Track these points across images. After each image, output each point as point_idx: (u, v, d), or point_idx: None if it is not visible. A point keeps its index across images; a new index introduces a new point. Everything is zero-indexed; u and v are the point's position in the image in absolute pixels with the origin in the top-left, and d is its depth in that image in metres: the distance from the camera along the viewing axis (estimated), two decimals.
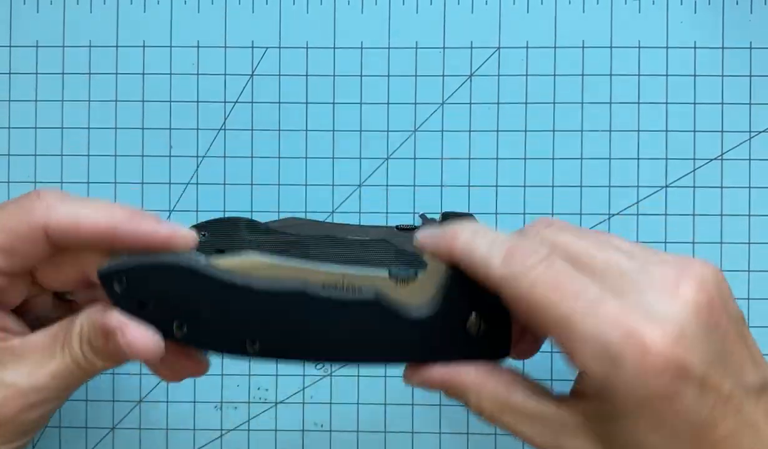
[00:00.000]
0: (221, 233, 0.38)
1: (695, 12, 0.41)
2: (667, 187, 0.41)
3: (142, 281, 0.29)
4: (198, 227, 0.39)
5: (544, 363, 0.40)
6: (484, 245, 0.28)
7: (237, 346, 0.29)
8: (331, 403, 0.41)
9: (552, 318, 0.26)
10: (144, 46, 0.41)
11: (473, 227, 0.30)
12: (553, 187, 0.41)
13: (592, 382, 0.27)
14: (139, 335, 0.29)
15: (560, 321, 0.26)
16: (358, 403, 0.41)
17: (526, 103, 0.41)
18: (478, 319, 0.30)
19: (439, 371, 0.30)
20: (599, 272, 0.27)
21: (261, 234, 0.39)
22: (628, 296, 0.26)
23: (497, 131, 0.41)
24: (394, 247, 0.36)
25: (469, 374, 0.30)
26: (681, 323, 0.25)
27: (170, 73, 0.41)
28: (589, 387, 0.28)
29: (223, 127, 0.41)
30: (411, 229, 0.37)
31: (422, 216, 0.39)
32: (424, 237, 0.31)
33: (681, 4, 0.41)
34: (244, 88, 0.41)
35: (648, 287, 0.26)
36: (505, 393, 0.29)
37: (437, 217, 0.39)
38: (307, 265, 0.30)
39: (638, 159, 0.41)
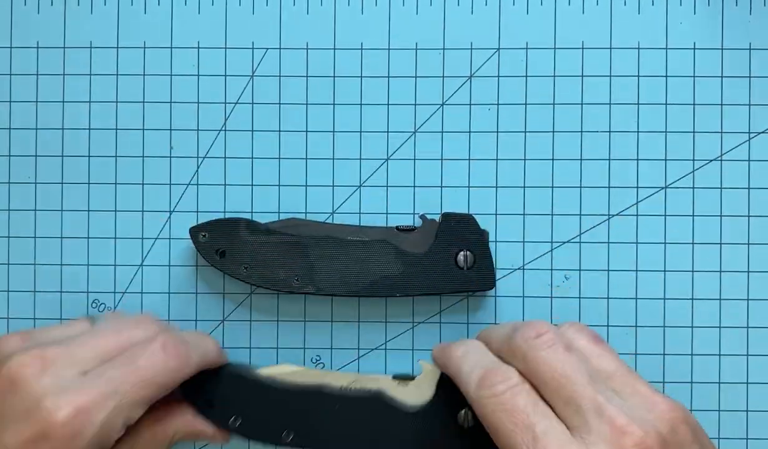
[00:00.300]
0: (221, 234, 0.39)
1: (695, 13, 0.41)
2: (666, 187, 0.41)
3: (210, 384, 0.37)
4: (198, 228, 0.39)
5: None
6: (467, 366, 0.33)
7: (276, 437, 0.37)
8: None
9: (504, 443, 0.30)
10: (144, 47, 0.41)
11: (468, 347, 0.35)
12: (552, 187, 0.41)
13: None
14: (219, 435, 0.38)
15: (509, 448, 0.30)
16: None
17: (525, 104, 0.41)
18: (467, 415, 0.36)
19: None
20: (561, 405, 0.30)
21: (261, 234, 0.39)
22: (575, 434, 0.30)
23: (497, 132, 0.41)
24: (394, 248, 0.37)
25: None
26: None
27: (171, 74, 0.41)
28: None
29: (223, 128, 0.41)
30: (410, 230, 0.39)
31: (422, 216, 0.39)
32: (436, 350, 0.37)
33: (680, 4, 0.41)
34: (244, 88, 0.41)
35: (596, 433, 0.29)
36: None
37: (437, 217, 0.39)
38: (329, 371, 0.39)
39: (638, 160, 0.41)
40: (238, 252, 0.39)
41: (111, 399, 0.32)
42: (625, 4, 0.41)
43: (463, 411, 0.36)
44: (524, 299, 0.41)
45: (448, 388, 0.36)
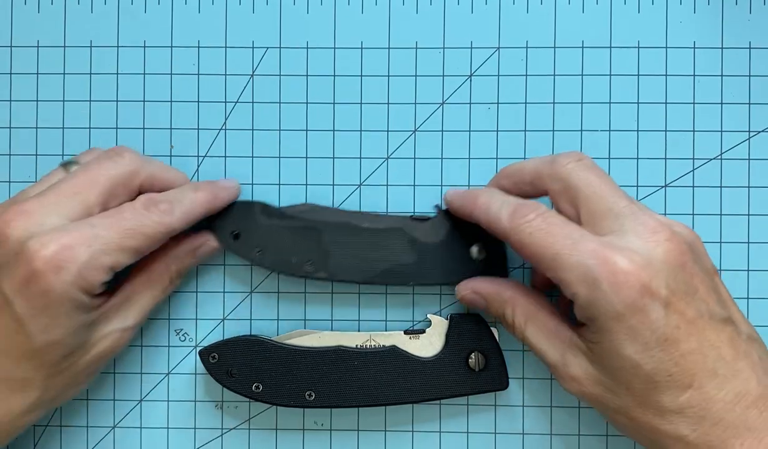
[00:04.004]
0: (236, 217, 0.39)
1: (694, 12, 0.41)
2: (666, 186, 0.41)
3: (230, 355, 0.39)
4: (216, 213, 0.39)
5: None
6: (496, 204, 0.36)
7: (300, 398, 0.38)
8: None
9: (547, 257, 0.33)
10: (145, 46, 0.41)
11: (490, 191, 0.37)
12: None
13: (580, 306, 0.33)
14: (211, 239, 0.39)
15: (553, 258, 0.33)
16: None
17: (525, 103, 0.41)
18: (477, 357, 0.39)
19: (486, 285, 0.38)
20: (599, 217, 0.34)
21: (276, 218, 0.39)
22: (613, 236, 0.33)
23: (497, 131, 0.41)
24: (409, 237, 0.38)
25: (508, 291, 0.37)
26: (649, 256, 0.32)
27: (171, 73, 0.41)
28: (580, 313, 0.33)
29: (223, 127, 0.41)
30: (425, 220, 0.39)
31: (437, 207, 0.40)
32: (452, 194, 0.39)
33: (680, 4, 0.41)
34: (244, 88, 0.41)
35: (631, 230, 0.33)
36: (534, 309, 0.36)
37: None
38: (343, 333, 0.40)
39: (637, 159, 0.41)
40: (253, 235, 0.39)
41: (94, 240, 0.34)
42: (625, 4, 0.41)
43: (473, 355, 0.39)
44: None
45: (457, 336, 0.39)
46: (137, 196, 0.37)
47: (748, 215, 0.40)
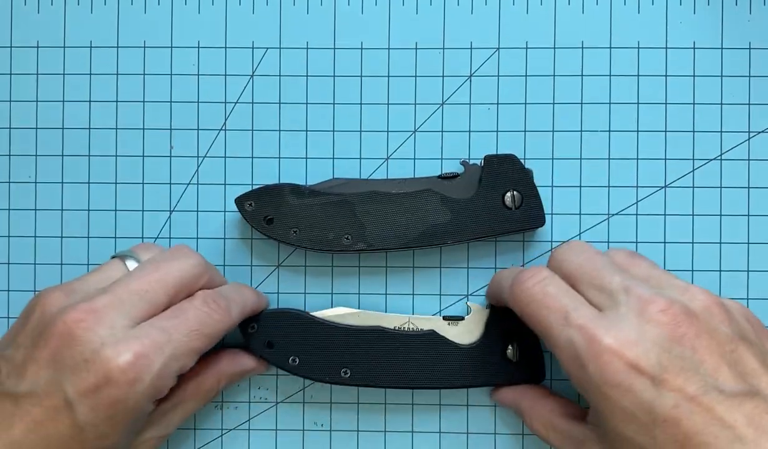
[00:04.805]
0: (267, 202, 0.39)
1: (694, 12, 0.41)
2: (666, 187, 0.41)
3: (270, 326, 0.39)
4: (244, 197, 0.39)
5: None
6: (506, 277, 0.37)
7: (335, 375, 0.39)
8: (331, 403, 0.41)
9: (541, 329, 0.33)
10: (144, 47, 0.41)
11: (505, 272, 0.38)
12: (552, 187, 0.41)
13: (575, 385, 0.32)
14: (262, 367, 0.40)
15: (545, 332, 0.33)
16: (358, 403, 0.41)
17: (525, 104, 0.41)
18: (515, 349, 0.39)
19: (508, 395, 0.39)
20: (593, 293, 0.33)
21: (306, 197, 0.39)
22: (605, 312, 0.32)
23: (497, 131, 0.41)
24: (440, 196, 0.38)
25: (524, 400, 0.38)
26: (638, 332, 0.30)
27: (171, 74, 0.41)
28: (577, 390, 0.32)
29: (223, 128, 0.41)
30: (453, 177, 0.40)
31: (464, 162, 0.40)
32: (487, 291, 0.41)
33: (680, 4, 0.41)
34: (244, 88, 0.41)
35: (624, 305, 0.31)
36: (548, 416, 0.37)
37: (479, 162, 0.39)
38: (382, 314, 0.40)
39: (637, 159, 0.41)
40: (286, 217, 0.39)
41: (166, 346, 0.33)
42: (625, 4, 0.41)
43: (511, 347, 0.39)
44: None
45: (496, 326, 0.39)
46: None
47: (748, 215, 0.40)
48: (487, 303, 0.40)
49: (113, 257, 0.37)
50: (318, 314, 0.40)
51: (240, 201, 0.39)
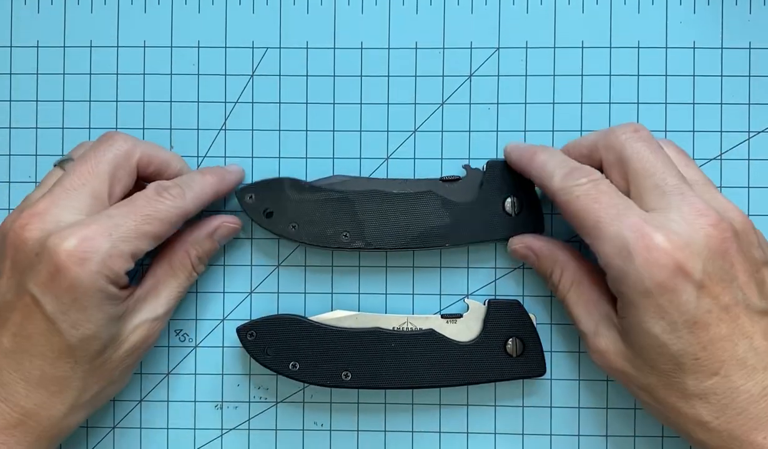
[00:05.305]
0: (267, 195, 0.39)
1: (694, 12, 0.41)
2: None
3: (269, 332, 0.39)
4: (245, 189, 0.40)
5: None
6: (553, 162, 0.36)
7: (335, 378, 0.39)
8: (331, 403, 0.41)
9: (589, 223, 0.34)
10: (144, 47, 0.41)
11: (551, 151, 0.38)
12: None
13: (612, 278, 0.33)
14: (230, 218, 0.40)
15: (594, 225, 0.33)
16: (358, 403, 0.41)
17: (525, 104, 0.41)
18: (515, 343, 0.39)
19: (541, 244, 0.39)
20: (647, 192, 0.34)
21: (307, 192, 0.39)
22: (657, 212, 0.33)
23: (497, 131, 0.41)
24: (441, 198, 0.38)
25: (562, 254, 0.38)
26: (688, 238, 0.32)
27: (171, 74, 0.41)
28: (612, 285, 0.34)
29: (223, 127, 0.41)
30: (455, 180, 0.40)
31: (466, 166, 0.40)
32: (512, 146, 0.39)
33: (680, 4, 0.41)
34: (244, 88, 0.41)
35: (676, 209, 0.33)
36: (580, 276, 0.37)
37: (482, 165, 0.39)
38: (380, 315, 0.40)
39: None
40: (286, 212, 0.39)
41: (114, 230, 0.34)
42: (625, 4, 0.41)
43: (510, 341, 0.39)
44: (523, 298, 0.41)
45: (495, 322, 0.39)
46: (145, 185, 0.37)
47: (748, 215, 0.40)
48: (484, 300, 0.40)
49: (55, 165, 0.38)
50: (316, 318, 0.40)
51: (241, 193, 0.39)
